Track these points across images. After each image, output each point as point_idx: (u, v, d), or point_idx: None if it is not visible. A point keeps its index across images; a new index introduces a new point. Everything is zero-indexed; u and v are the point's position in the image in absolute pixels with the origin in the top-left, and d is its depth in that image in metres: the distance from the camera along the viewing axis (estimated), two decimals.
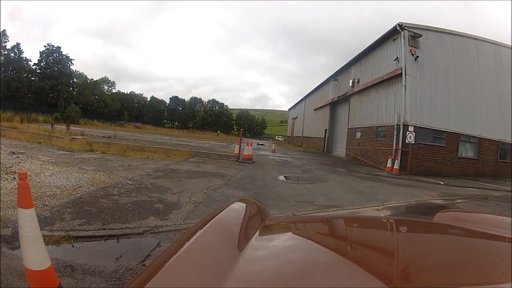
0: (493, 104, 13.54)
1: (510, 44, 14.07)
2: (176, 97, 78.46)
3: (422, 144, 12.09)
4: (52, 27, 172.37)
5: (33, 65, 44.51)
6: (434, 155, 12.35)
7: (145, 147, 10.70)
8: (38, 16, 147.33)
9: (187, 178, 6.04)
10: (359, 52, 16.45)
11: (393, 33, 12.81)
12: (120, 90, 72.81)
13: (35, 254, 1.77)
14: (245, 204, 0.92)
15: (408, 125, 11.87)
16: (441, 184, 9.27)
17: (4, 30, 39.25)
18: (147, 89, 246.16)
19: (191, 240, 0.63)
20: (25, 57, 42.57)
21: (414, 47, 11.99)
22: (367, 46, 15.32)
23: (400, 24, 12.11)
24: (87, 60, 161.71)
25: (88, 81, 57.84)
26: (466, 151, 13.30)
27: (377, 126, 14.16)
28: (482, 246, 0.84)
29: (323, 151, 22.85)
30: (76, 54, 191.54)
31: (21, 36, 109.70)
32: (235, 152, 10.87)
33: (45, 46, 46.35)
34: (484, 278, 0.58)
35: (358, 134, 16.26)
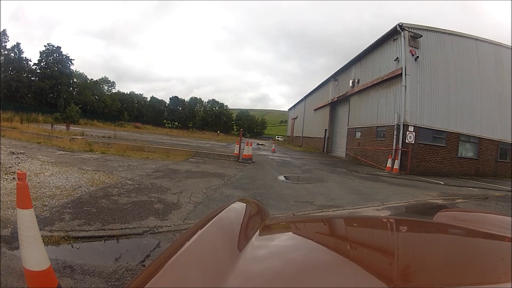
0: (493, 104, 13.55)
1: (510, 45, 14.08)
2: (176, 97, 78.46)
3: (422, 144, 12.09)
4: (55, 28, 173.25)
5: (33, 65, 44.50)
6: (434, 155, 12.36)
7: (145, 147, 10.69)
8: (41, 17, 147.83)
9: (186, 178, 6.03)
10: (359, 52, 16.47)
11: (393, 34, 12.83)
12: (120, 90, 72.77)
13: (34, 255, 1.76)
14: (245, 204, 0.92)
15: (408, 125, 11.88)
16: (441, 184, 9.27)
17: (4, 30, 39.21)
18: (149, 90, 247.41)
19: (191, 240, 0.63)
20: (25, 57, 42.58)
21: (414, 48, 11.99)
22: (367, 46, 15.32)
23: (400, 24, 12.12)
24: (89, 61, 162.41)
25: (88, 81, 57.76)
26: (466, 151, 13.31)
27: (377, 126, 14.17)
28: (482, 246, 0.84)
29: (323, 151, 22.85)
30: (78, 54, 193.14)
31: (24, 37, 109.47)
32: (234, 152, 10.87)
33: (45, 46, 46.34)
34: (484, 278, 0.58)
35: (358, 134, 16.26)
